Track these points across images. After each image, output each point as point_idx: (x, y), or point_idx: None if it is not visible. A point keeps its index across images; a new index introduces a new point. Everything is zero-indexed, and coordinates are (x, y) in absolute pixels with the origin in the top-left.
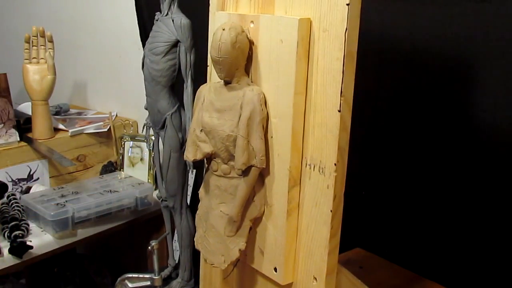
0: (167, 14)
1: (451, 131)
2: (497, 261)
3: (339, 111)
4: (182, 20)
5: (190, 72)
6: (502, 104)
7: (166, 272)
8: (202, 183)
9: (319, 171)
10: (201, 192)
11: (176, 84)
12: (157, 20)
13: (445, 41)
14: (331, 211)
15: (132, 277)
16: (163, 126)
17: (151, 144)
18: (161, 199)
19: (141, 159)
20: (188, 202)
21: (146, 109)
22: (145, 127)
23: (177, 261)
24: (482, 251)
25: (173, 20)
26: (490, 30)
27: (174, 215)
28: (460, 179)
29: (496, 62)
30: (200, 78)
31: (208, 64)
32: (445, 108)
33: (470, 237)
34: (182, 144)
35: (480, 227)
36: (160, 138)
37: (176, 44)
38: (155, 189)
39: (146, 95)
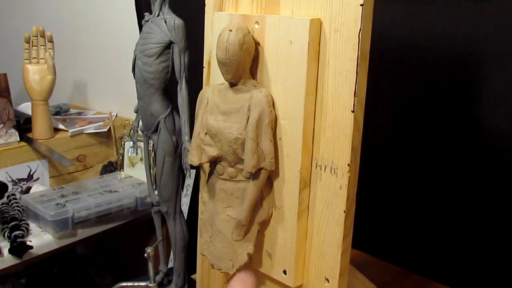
0: (158, 14)
1: (451, 131)
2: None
3: (353, 111)
4: (175, 21)
5: (184, 74)
6: (502, 104)
7: (157, 278)
8: (205, 187)
9: (331, 172)
10: (205, 196)
11: (168, 86)
12: (146, 21)
13: (445, 41)
14: (344, 211)
15: (126, 285)
16: (155, 130)
17: (133, 146)
18: (151, 204)
19: (141, 159)
20: (188, 203)
21: (136, 112)
22: (131, 130)
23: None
24: (480, 250)
25: (165, 21)
26: (490, 30)
27: (168, 220)
28: (458, 178)
29: (496, 62)
30: (191, 80)
31: (204, 65)
32: (445, 108)
33: (467, 236)
34: (176, 147)
35: (479, 227)
36: (151, 142)
37: (169, 45)
38: (155, 189)
39: (138, 98)
